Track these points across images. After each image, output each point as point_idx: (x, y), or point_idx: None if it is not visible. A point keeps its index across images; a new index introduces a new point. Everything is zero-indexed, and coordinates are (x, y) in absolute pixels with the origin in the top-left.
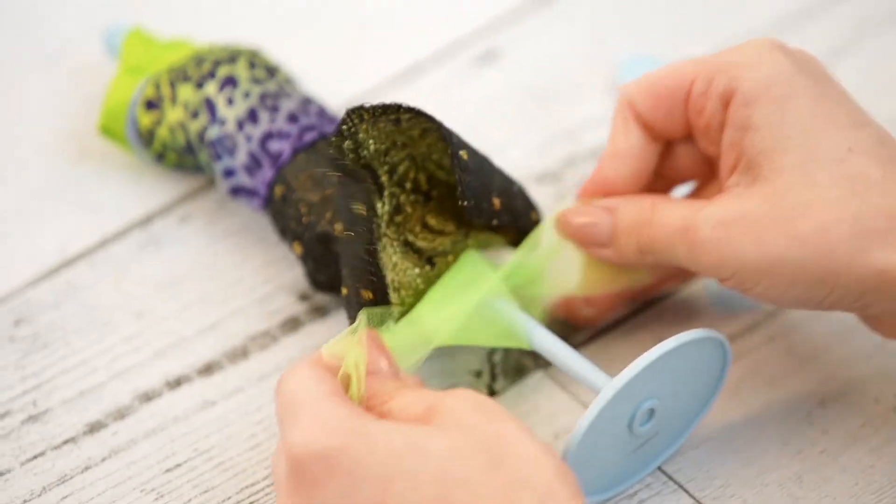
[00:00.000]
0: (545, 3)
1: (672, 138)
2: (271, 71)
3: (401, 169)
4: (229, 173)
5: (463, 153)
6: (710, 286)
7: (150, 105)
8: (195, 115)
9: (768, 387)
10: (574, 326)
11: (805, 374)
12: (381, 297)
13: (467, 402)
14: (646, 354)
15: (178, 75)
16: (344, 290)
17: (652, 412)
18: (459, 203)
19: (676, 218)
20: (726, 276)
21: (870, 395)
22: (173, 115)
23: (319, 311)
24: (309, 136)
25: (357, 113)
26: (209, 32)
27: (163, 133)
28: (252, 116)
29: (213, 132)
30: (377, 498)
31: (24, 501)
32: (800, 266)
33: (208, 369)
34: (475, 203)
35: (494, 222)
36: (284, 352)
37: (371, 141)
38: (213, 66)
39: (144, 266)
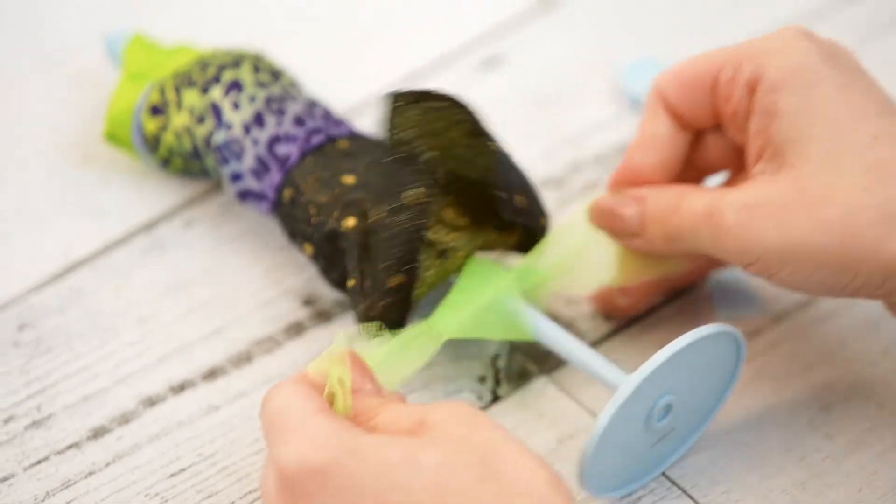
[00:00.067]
0: (548, 9)
1: (702, 127)
2: (275, 74)
3: (425, 159)
4: (236, 177)
5: (495, 145)
6: (714, 290)
7: (156, 111)
8: (201, 119)
9: (772, 392)
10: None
11: (809, 379)
12: (408, 285)
13: (457, 415)
14: (664, 349)
15: (183, 80)
16: (351, 282)
17: (669, 407)
18: (494, 194)
19: (701, 204)
20: (750, 261)
21: (874, 400)
22: (179, 120)
23: (323, 317)
24: (316, 139)
25: (392, 98)
26: (210, 37)
27: (168, 138)
28: (258, 120)
29: (220, 137)
30: None
31: None
32: (824, 251)
33: (212, 374)
34: (508, 197)
35: (518, 220)
36: (288, 357)
37: (401, 128)
38: (217, 71)
39: (148, 271)
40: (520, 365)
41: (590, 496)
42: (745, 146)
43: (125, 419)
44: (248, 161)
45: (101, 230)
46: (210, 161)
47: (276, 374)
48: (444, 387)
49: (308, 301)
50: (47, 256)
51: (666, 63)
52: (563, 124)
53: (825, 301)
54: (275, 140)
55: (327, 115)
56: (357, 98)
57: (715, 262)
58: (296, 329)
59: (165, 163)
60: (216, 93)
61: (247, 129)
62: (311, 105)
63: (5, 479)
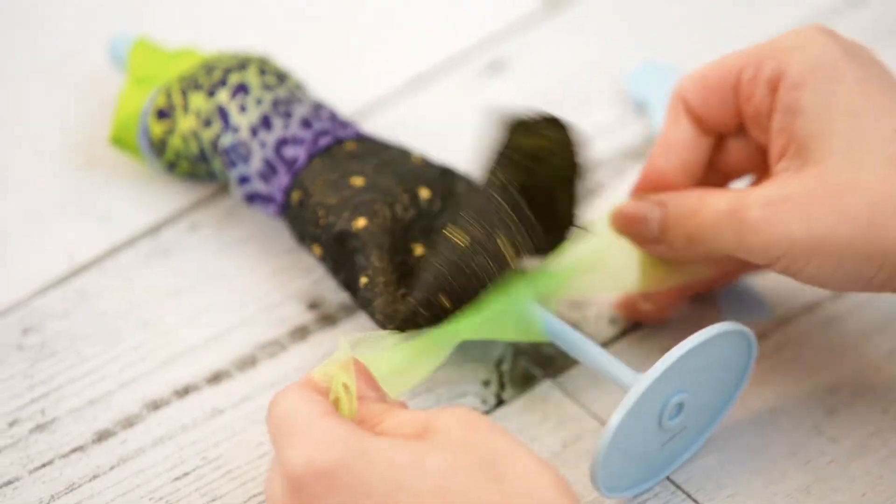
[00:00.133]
0: (553, 12)
1: (724, 130)
2: (281, 77)
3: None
4: (244, 180)
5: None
6: (720, 295)
7: (162, 114)
8: (208, 123)
9: (777, 395)
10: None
11: (814, 382)
12: (448, 311)
13: (461, 419)
14: (678, 346)
15: (189, 84)
16: (363, 280)
17: (681, 406)
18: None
19: (724, 202)
20: (776, 257)
21: (879, 405)
22: (185, 123)
23: (328, 320)
24: (323, 141)
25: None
26: (214, 41)
27: (175, 142)
28: (265, 123)
29: (227, 140)
30: None
31: None
32: (848, 243)
33: (216, 378)
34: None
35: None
36: (293, 360)
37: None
38: (223, 74)
39: (153, 274)
40: (524, 369)
41: (598, 498)
42: (767, 146)
43: (129, 423)
44: (256, 164)
45: (105, 233)
46: (217, 164)
47: (280, 377)
48: (448, 391)
49: (313, 305)
50: (52, 260)
51: (671, 67)
52: None
53: (830, 305)
54: (282, 142)
55: (334, 118)
56: (361, 102)
57: (738, 268)
58: (301, 333)
59: (172, 166)
60: (223, 96)
61: (254, 132)
62: (318, 107)
63: (10, 482)
